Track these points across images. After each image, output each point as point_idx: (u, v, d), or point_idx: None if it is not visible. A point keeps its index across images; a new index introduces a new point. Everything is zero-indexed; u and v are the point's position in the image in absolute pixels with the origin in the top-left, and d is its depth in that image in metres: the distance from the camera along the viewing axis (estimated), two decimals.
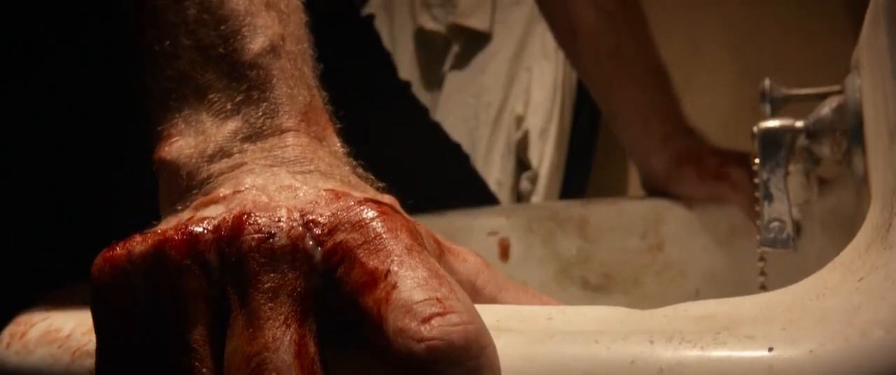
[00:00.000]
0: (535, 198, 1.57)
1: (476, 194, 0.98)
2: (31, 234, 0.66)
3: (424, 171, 0.94)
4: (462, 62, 1.79)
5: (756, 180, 0.45)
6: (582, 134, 1.65)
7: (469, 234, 0.81)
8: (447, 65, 1.80)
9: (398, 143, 0.94)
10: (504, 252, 0.81)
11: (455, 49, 1.79)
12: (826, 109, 0.42)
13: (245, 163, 0.33)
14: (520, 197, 1.62)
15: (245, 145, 0.33)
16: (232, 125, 0.34)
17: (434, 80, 1.83)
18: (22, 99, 0.66)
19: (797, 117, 0.51)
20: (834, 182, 0.68)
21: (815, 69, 1.71)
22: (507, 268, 0.81)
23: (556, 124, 1.61)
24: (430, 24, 1.82)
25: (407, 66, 1.84)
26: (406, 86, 1.02)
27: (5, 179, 0.65)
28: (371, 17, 1.03)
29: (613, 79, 0.84)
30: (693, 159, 0.78)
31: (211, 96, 0.34)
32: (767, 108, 0.50)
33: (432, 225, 0.87)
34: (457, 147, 1.02)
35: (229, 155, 0.33)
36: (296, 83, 0.35)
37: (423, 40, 1.84)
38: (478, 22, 1.75)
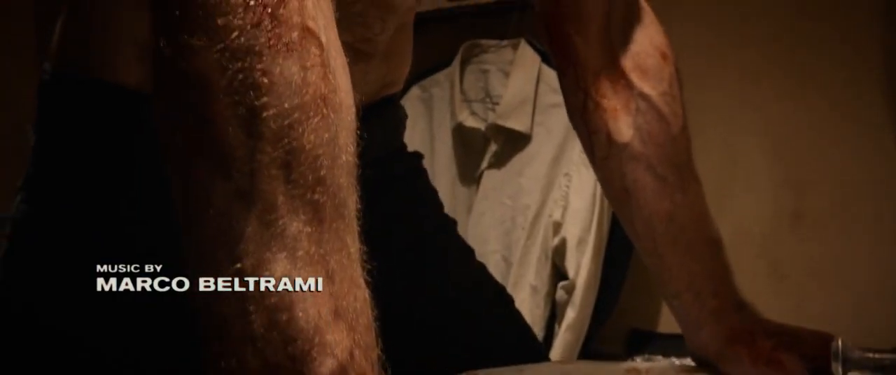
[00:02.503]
0: (571, 310, 1.56)
1: (519, 339, 0.97)
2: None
3: (469, 315, 0.93)
4: (500, 161, 1.79)
5: None
6: (618, 245, 1.63)
7: None
8: (485, 164, 1.80)
9: (443, 285, 0.94)
10: None
11: (494, 148, 1.79)
12: None
13: None
14: (555, 306, 1.61)
15: None
16: None
17: (471, 177, 1.83)
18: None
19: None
20: None
21: (855, 176, 1.70)
22: None
23: (594, 235, 1.60)
24: (469, 121, 1.82)
25: (445, 162, 1.84)
26: (452, 223, 1.02)
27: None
28: (418, 155, 1.03)
29: (665, 246, 0.83)
30: (745, 339, 0.77)
31: None
32: (838, 369, 0.49)
33: None
34: (501, 289, 1.02)
35: None
36: None
37: (462, 136, 1.84)
38: (518, 123, 1.74)
